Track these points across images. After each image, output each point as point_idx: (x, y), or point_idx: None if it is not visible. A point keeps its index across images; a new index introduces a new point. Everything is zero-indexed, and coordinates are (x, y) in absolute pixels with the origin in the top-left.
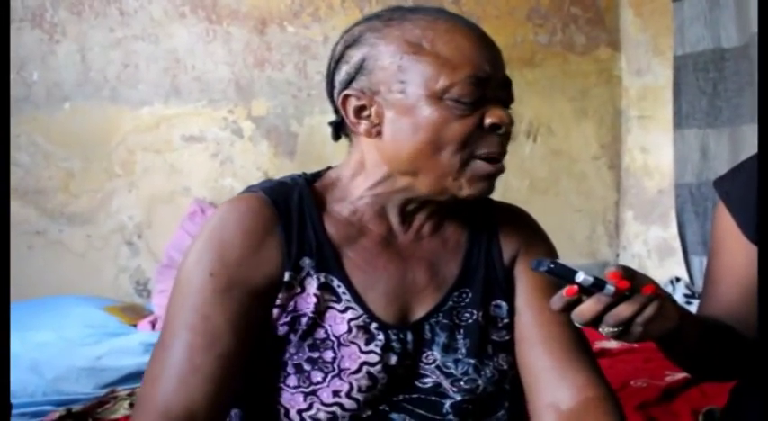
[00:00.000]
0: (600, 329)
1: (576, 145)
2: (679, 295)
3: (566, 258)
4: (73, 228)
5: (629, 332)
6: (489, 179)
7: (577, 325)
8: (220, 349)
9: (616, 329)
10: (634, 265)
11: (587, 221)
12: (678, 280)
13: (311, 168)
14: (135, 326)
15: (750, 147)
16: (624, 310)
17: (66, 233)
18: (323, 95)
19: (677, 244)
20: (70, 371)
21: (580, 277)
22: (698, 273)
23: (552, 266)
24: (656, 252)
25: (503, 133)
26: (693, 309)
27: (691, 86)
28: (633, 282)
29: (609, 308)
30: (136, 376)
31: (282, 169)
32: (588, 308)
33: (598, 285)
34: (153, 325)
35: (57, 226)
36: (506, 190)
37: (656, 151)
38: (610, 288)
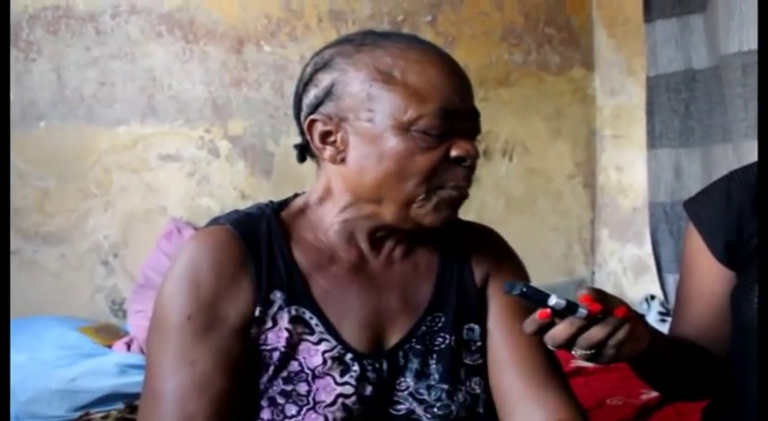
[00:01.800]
0: (573, 352)
1: (551, 164)
2: (654, 313)
3: (542, 276)
4: (48, 247)
5: (601, 354)
6: (453, 206)
7: (550, 347)
8: (211, 392)
9: (589, 352)
10: (610, 283)
11: (563, 239)
12: (653, 297)
13: (288, 188)
14: (110, 346)
15: (722, 166)
16: (597, 333)
17: (40, 253)
18: None
19: (652, 261)
20: (44, 394)
21: (552, 300)
22: (672, 290)
23: (525, 290)
24: (632, 269)
25: (468, 165)
26: (668, 326)
27: (663, 107)
28: (605, 304)
29: (581, 330)
30: (111, 398)
31: (259, 189)
32: (561, 331)
33: (570, 308)
34: (128, 346)
35: (31, 246)
36: (483, 209)
37: (630, 170)
38: (582, 311)
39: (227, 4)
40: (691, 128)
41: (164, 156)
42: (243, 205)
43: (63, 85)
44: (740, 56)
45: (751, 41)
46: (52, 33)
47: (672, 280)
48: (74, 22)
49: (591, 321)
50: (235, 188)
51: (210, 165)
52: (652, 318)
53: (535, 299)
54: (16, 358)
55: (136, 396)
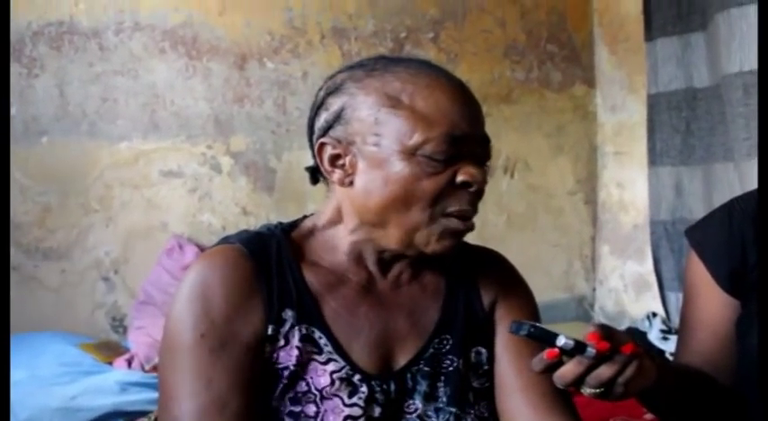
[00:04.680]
0: (582, 390)
1: (552, 180)
2: (656, 330)
3: (543, 293)
4: (48, 263)
5: (610, 392)
6: (457, 236)
7: (559, 387)
8: (230, 412)
9: (598, 390)
10: (611, 300)
11: (564, 256)
12: (655, 315)
13: (290, 204)
14: (111, 363)
15: (723, 184)
16: (605, 372)
17: (41, 268)
18: (301, 131)
19: (653, 278)
20: (44, 412)
21: (561, 341)
22: (674, 308)
23: (533, 330)
24: (633, 286)
25: (474, 191)
26: (669, 344)
27: (664, 125)
28: (612, 341)
29: (590, 369)
30: (111, 416)
31: (261, 205)
32: (570, 370)
33: (579, 348)
34: (129, 363)
35: (32, 261)
36: (484, 225)
37: (631, 187)
38: (591, 350)
39: (231, 20)
40: (692, 146)
41: (165, 172)
42: (245, 221)
43: (66, 100)
44: (741, 76)
45: (752, 62)
46: (56, 49)
47: (673, 298)
48: (77, 38)
49: (599, 359)
50: (237, 204)
51: (212, 182)
52: (654, 336)
53: (543, 339)
54: (16, 375)
55: (137, 414)
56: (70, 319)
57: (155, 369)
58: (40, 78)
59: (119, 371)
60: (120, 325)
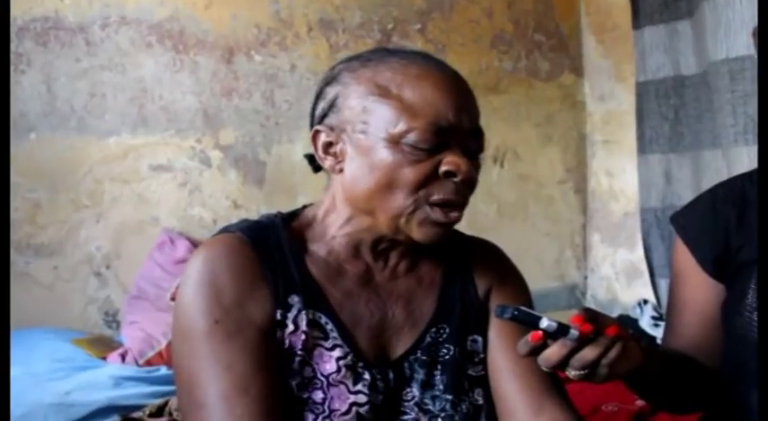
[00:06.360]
0: (566, 372)
1: (542, 169)
2: (647, 317)
3: (535, 282)
4: (40, 259)
5: (594, 373)
6: (441, 227)
7: (544, 369)
8: (253, 392)
9: (582, 372)
10: (602, 288)
11: (555, 245)
12: (646, 302)
13: (280, 197)
14: (104, 358)
15: (711, 171)
16: (589, 353)
17: (32, 265)
18: (290, 124)
19: (644, 266)
20: (38, 408)
21: (544, 323)
22: (665, 295)
23: (516, 313)
24: (624, 274)
25: (460, 181)
26: (661, 331)
27: (653, 112)
28: (596, 324)
29: (574, 351)
30: (106, 411)
31: (251, 198)
32: (554, 352)
33: (562, 330)
34: (123, 357)
35: (23, 258)
36: (475, 215)
37: (620, 175)
38: (574, 332)
39: (217, 13)
40: (680, 133)
41: (155, 166)
42: (236, 215)
43: (53, 96)
44: (727, 62)
45: (738, 48)
46: (42, 45)
47: (664, 284)
48: (63, 34)
49: (583, 341)
50: (227, 198)
51: (202, 175)
52: (645, 323)
53: (527, 321)
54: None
55: (131, 408)
56: (63, 315)
57: (148, 363)
58: (27, 74)
59: (112, 366)
60: (113, 320)
